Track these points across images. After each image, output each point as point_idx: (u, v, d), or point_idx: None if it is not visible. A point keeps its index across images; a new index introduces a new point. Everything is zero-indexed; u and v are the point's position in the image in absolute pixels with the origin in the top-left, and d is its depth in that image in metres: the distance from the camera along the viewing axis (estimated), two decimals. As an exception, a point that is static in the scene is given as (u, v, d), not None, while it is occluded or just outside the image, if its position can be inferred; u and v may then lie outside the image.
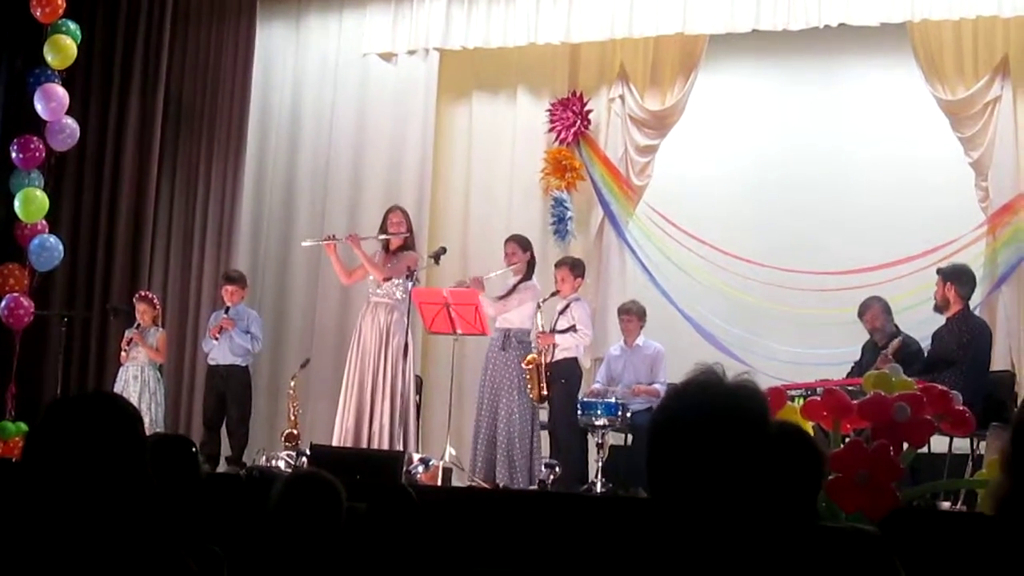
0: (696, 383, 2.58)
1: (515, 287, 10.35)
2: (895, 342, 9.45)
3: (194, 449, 4.64)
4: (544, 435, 10.45)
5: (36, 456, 2.96)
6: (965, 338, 9.20)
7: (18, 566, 2.81)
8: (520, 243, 10.52)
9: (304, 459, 9.39)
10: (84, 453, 2.91)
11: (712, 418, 2.51)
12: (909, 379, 7.14)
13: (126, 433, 3.00)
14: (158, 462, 4.32)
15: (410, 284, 10.24)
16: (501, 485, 9.78)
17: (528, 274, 10.42)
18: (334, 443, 10.06)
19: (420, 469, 9.52)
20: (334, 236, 10.76)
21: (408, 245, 10.51)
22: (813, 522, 3.08)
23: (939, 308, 9.47)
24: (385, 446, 9.95)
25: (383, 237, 10.50)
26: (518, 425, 10.05)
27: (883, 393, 6.84)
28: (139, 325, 11.10)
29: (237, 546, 4.36)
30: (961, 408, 6.99)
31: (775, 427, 3.36)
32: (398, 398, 10.12)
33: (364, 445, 10.00)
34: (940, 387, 7.09)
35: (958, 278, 9.43)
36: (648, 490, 2.60)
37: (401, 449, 9.83)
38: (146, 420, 10.55)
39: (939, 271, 9.65)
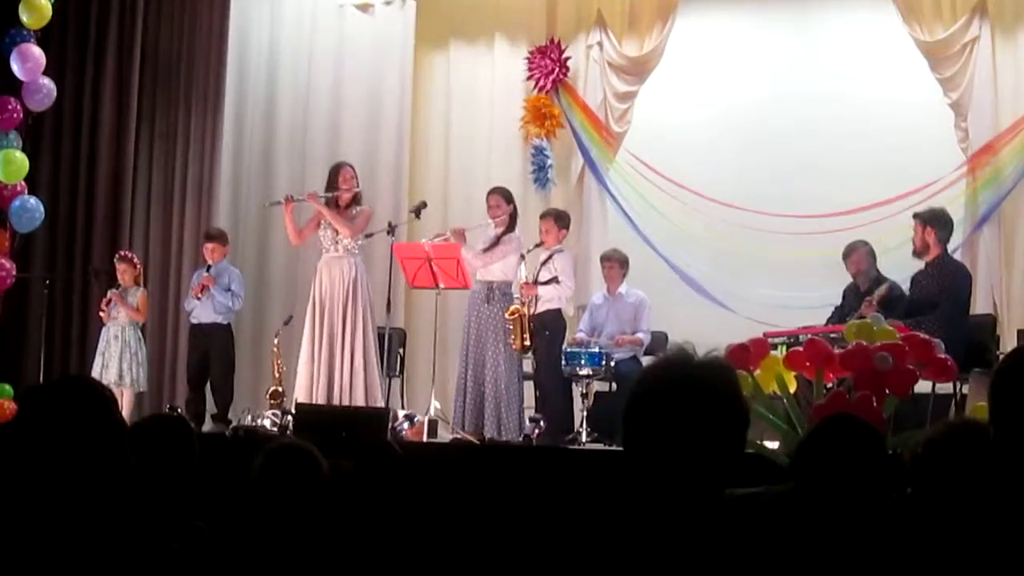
0: (668, 359, 2.71)
1: (499, 239, 10.28)
2: (882, 289, 9.40)
3: (189, 426, 4.73)
4: (529, 385, 10.47)
5: (12, 446, 2.97)
6: (945, 282, 9.18)
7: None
8: (504, 195, 10.45)
9: (289, 417, 9.40)
10: (61, 441, 2.91)
11: (684, 390, 2.61)
12: (891, 328, 7.12)
13: (101, 418, 3.00)
14: (152, 441, 4.43)
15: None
16: (488, 438, 9.79)
17: (511, 226, 10.36)
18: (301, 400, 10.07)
19: (405, 425, 9.54)
20: (292, 196, 10.65)
21: (358, 200, 10.48)
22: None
23: (918, 253, 9.40)
24: (359, 401, 9.98)
25: (334, 194, 10.42)
26: (504, 377, 10.05)
27: (865, 342, 6.83)
28: (120, 285, 11.07)
29: (224, 510, 4.38)
30: (943, 356, 6.99)
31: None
32: (371, 351, 10.19)
33: (336, 401, 10.03)
34: (922, 335, 7.08)
35: (936, 222, 9.38)
36: (625, 456, 2.67)
37: (383, 405, 9.86)
38: (127, 380, 10.67)
39: (916, 216, 9.56)
